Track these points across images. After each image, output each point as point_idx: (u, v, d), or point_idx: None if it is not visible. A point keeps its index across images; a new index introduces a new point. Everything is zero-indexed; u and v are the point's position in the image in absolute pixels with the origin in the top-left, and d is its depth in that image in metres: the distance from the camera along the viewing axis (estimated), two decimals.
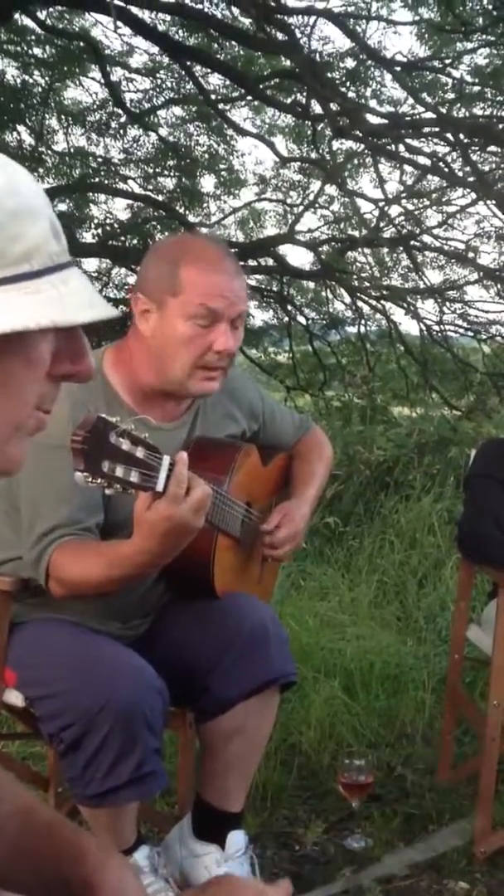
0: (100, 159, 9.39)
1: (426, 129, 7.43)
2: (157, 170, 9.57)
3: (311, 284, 10.69)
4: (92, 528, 1.83)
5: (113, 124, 8.88)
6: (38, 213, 0.70)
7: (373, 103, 7.62)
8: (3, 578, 1.89)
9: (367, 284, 10.12)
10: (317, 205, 10.06)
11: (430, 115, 7.34)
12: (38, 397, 0.74)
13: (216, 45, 7.93)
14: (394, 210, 9.32)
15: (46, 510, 1.80)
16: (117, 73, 8.57)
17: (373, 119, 7.13)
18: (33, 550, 1.79)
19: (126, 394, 1.94)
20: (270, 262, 9.46)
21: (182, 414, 2.03)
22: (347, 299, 10.22)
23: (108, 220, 9.55)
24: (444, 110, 7.46)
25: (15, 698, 1.92)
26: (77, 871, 0.97)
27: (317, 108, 7.04)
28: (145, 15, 7.11)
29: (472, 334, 10.28)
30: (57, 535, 1.78)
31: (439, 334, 10.03)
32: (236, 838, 2.02)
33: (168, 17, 7.49)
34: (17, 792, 1.03)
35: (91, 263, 9.50)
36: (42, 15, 7.69)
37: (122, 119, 8.69)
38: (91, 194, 9.39)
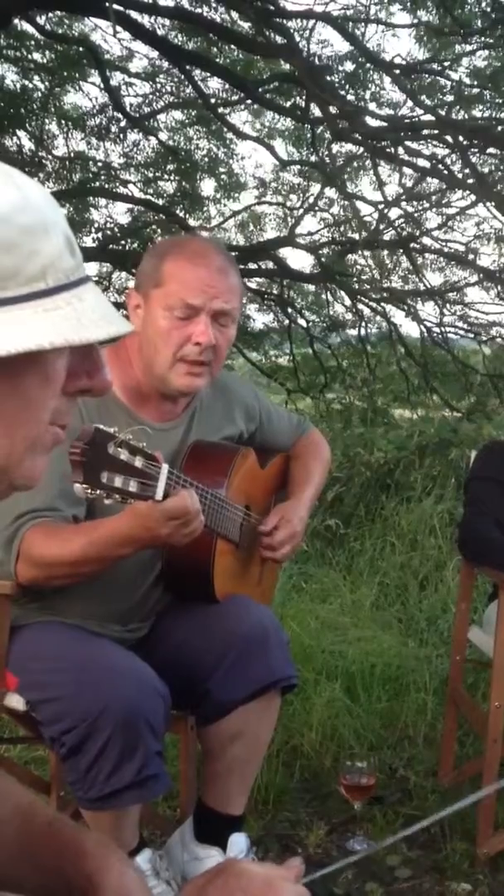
0: (100, 164, 9.42)
1: (425, 132, 7.45)
2: (157, 174, 9.59)
3: (312, 287, 10.72)
4: (69, 518, 1.82)
5: (113, 129, 8.91)
6: (52, 227, 0.70)
7: (372, 106, 7.65)
8: (3, 582, 1.89)
9: (368, 287, 10.13)
10: (317, 208, 10.10)
11: (429, 117, 7.35)
12: (52, 413, 0.74)
13: (215, 49, 7.95)
14: (393, 212, 9.36)
15: (25, 496, 1.77)
16: (117, 78, 8.60)
17: (372, 122, 7.16)
18: (7, 531, 1.78)
19: (122, 393, 1.95)
20: (270, 265, 9.47)
21: (178, 414, 2.03)
22: (348, 302, 10.25)
23: (108, 225, 9.59)
24: (443, 112, 7.47)
25: (16, 702, 1.91)
26: (78, 869, 0.97)
27: (316, 111, 7.06)
28: (144, 19, 7.13)
29: (472, 336, 10.30)
30: (32, 517, 1.77)
31: (439, 336, 10.05)
32: (237, 841, 2.02)
33: (167, 22, 7.50)
34: (17, 792, 1.03)
35: (92, 268, 9.51)
36: (41, 20, 7.71)
37: (122, 123, 8.72)
38: (91, 199, 9.42)
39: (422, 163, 7.84)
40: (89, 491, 1.38)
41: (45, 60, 8.44)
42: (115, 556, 1.73)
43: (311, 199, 10.08)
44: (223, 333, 1.91)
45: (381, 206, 9.08)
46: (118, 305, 1.95)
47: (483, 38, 7.20)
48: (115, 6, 5.67)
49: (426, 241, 9.90)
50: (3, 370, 0.68)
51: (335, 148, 8.76)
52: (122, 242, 9.19)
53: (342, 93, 7.31)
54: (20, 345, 0.65)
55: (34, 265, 0.67)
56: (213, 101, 8.20)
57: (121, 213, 10.14)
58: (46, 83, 8.59)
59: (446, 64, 7.80)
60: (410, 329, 10.42)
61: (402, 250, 9.56)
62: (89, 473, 1.37)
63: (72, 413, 0.78)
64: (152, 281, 1.88)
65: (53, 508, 1.79)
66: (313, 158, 8.71)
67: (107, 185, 9.48)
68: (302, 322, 10.51)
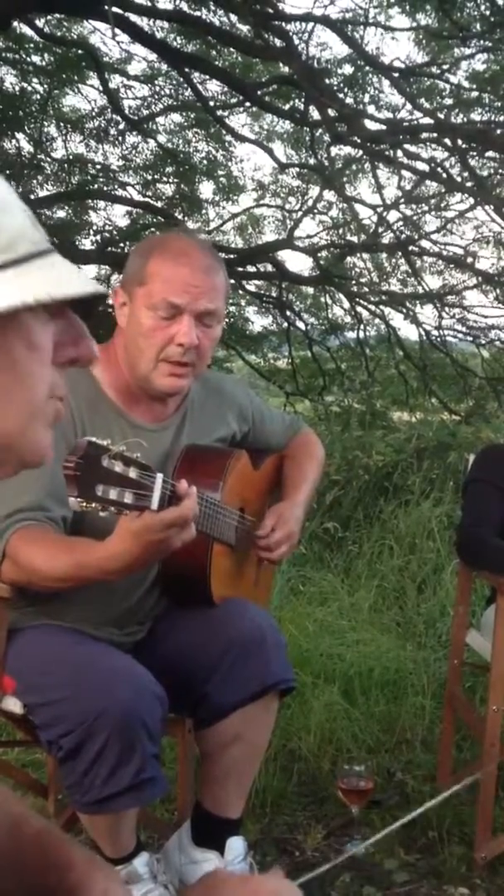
0: (98, 166, 9.42)
1: (424, 135, 7.44)
2: (155, 176, 9.59)
3: (310, 290, 10.73)
4: (57, 519, 1.81)
5: (112, 131, 8.91)
6: (11, 205, 0.71)
7: (371, 109, 7.65)
8: (0, 585, 1.89)
9: (366, 290, 10.14)
10: (315, 210, 10.09)
11: (428, 120, 7.36)
12: (48, 385, 0.74)
13: (214, 52, 7.96)
14: (392, 215, 9.36)
15: (12, 494, 1.77)
16: (116, 81, 8.60)
17: (371, 125, 7.15)
18: None
19: (113, 393, 1.94)
20: (269, 267, 9.47)
21: (170, 415, 2.03)
22: (346, 304, 10.24)
23: (107, 227, 9.59)
24: (442, 116, 7.48)
25: (13, 705, 1.91)
26: (63, 883, 0.96)
27: (315, 114, 7.05)
28: (143, 22, 7.12)
29: (470, 339, 10.30)
30: (20, 518, 1.76)
31: (438, 339, 10.05)
32: (235, 845, 2.02)
33: (166, 24, 7.50)
34: (7, 800, 1.02)
35: (90, 270, 9.51)
36: (40, 23, 7.71)
37: (121, 126, 8.71)
38: (90, 201, 9.42)
39: (421, 166, 7.85)
40: (84, 504, 1.37)
41: (44, 63, 8.43)
42: (100, 579, 1.71)
43: (310, 202, 10.08)
44: (207, 334, 1.90)
45: (379, 209, 9.09)
46: (113, 308, 1.94)
47: (482, 42, 7.20)
48: (114, 9, 5.67)
49: (425, 244, 9.91)
50: None
51: (334, 151, 8.76)
52: (121, 245, 9.19)
53: (341, 96, 7.31)
54: (1, 304, 0.66)
55: (2, 237, 0.68)
56: (211, 103, 8.20)
57: (119, 215, 10.19)
58: (45, 86, 8.58)
59: (445, 67, 7.80)
60: (409, 332, 10.46)
61: (400, 253, 9.55)
62: (84, 487, 1.37)
63: (64, 386, 0.78)
64: (137, 279, 1.88)
65: (42, 508, 1.78)
66: (312, 161, 8.71)
67: (105, 188, 9.48)
68: (300, 324, 10.51)
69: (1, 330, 0.69)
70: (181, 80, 7.91)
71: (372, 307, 10.04)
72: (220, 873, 1.01)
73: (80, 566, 1.69)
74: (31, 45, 8.13)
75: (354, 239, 9.74)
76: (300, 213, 10.21)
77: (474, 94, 7.90)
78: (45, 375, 0.74)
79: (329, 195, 9.60)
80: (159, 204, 9.41)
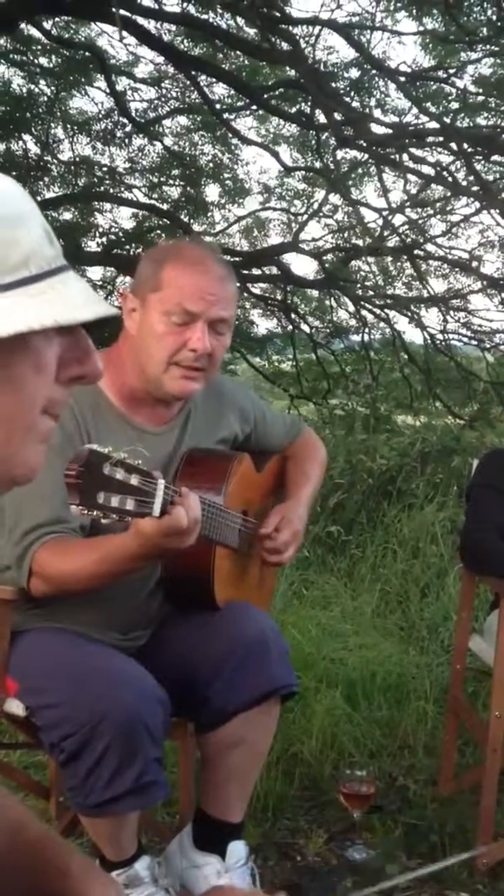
0: (105, 168, 9.43)
1: (430, 139, 7.45)
2: (161, 179, 9.60)
3: (315, 293, 10.72)
4: (76, 529, 1.83)
5: (118, 133, 8.92)
6: (29, 218, 0.71)
7: (377, 113, 7.65)
8: (4, 587, 1.89)
9: (371, 293, 10.13)
10: (321, 214, 10.08)
11: (434, 124, 7.35)
12: (46, 401, 0.74)
13: (221, 55, 7.96)
14: (398, 219, 9.33)
15: (30, 508, 1.79)
16: (122, 83, 8.63)
17: (377, 129, 7.16)
18: (17, 548, 1.80)
19: (115, 397, 1.95)
20: (274, 270, 9.47)
21: (172, 418, 2.04)
22: (351, 308, 10.24)
23: (112, 229, 9.60)
24: (448, 120, 7.47)
25: (16, 708, 1.91)
26: (61, 889, 0.96)
27: (321, 117, 7.05)
28: (150, 25, 7.14)
29: (475, 343, 10.28)
30: (41, 533, 1.78)
31: (443, 343, 10.04)
32: (236, 849, 2.02)
33: (173, 27, 7.52)
34: (8, 805, 1.02)
35: (96, 272, 9.54)
36: (48, 25, 7.73)
37: (128, 128, 8.73)
38: (96, 203, 9.43)
39: (426, 170, 7.84)
40: (86, 512, 1.38)
41: (51, 65, 8.46)
42: (126, 570, 1.75)
43: (316, 206, 10.06)
44: (219, 341, 1.91)
45: (385, 213, 9.07)
46: (121, 310, 1.95)
47: (488, 46, 7.20)
48: (122, 11, 5.68)
49: (430, 248, 9.90)
50: None
51: (340, 154, 8.76)
52: (127, 247, 9.20)
53: (347, 99, 7.32)
54: (9, 328, 0.65)
55: (16, 254, 0.68)
56: (218, 106, 8.21)
57: (125, 217, 10.19)
58: (52, 88, 8.60)
59: (451, 71, 7.79)
60: (414, 336, 10.40)
61: (405, 257, 9.55)
62: (85, 495, 1.37)
63: (66, 403, 0.78)
64: (150, 285, 1.89)
65: (61, 521, 1.80)
66: (318, 165, 8.71)
67: (111, 190, 9.50)
68: (305, 328, 10.50)
69: (8, 351, 0.68)
70: (188, 82, 7.92)
71: (377, 311, 10.03)
72: (228, 891, 1.01)
73: (103, 559, 1.72)
74: (39, 47, 8.16)
75: (360, 242, 9.73)
76: (306, 217, 10.20)
77: (480, 98, 7.90)
78: (45, 393, 0.74)
79: (335, 198, 9.60)
80: (165, 206, 9.42)
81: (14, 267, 0.68)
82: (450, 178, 7.94)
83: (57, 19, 7.84)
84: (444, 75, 7.78)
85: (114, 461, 1.40)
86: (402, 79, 7.17)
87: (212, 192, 12.51)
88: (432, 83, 7.83)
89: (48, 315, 0.68)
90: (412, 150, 7.38)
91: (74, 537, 1.82)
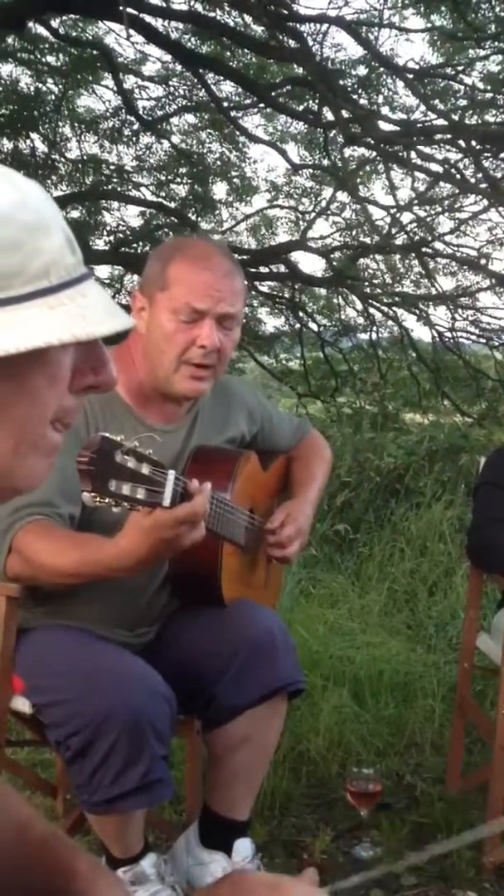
0: (112, 167, 9.44)
1: (438, 136, 7.42)
2: (169, 177, 9.60)
3: (323, 291, 10.71)
4: (65, 516, 1.82)
5: (126, 132, 8.92)
6: (52, 225, 0.70)
7: (385, 110, 7.64)
8: (10, 585, 1.89)
9: (379, 291, 10.10)
10: (329, 212, 10.07)
11: (442, 122, 7.34)
12: (58, 410, 0.74)
13: (228, 53, 7.96)
14: (406, 217, 9.33)
15: None
16: (130, 81, 8.61)
17: (385, 126, 7.13)
18: (2, 523, 1.78)
19: (126, 394, 1.95)
20: (282, 268, 9.47)
21: (181, 416, 2.04)
22: (359, 306, 10.22)
23: (120, 227, 9.60)
24: (456, 117, 7.45)
25: (22, 705, 1.92)
26: (66, 888, 0.96)
27: (329, 115, 7.04)
28: (158, 23, 7.13)
29: (484, 341, 10.26)
30: (29, 512, 1.77)
31: (451, 341, 10.02)
32: (243, 846, 2.02)
33: (181, 25, 7.51)
34: (15, 804, 1.02)
35: (103, 270, 9.54)
36: (56, 23, 7.73)
37: (135, 126, 8.73)
38: (104, 201, 9.43)
39: (434, 167, 7.83)
40: (98, 499, 1.37)
41: (58, 63, 8.46)
42: (107, 577, 1.72)
43: (324, 203, 10.05)
44: (228, 336, 1.92)
45: (393, 211, 9.06)
46: (129, 308, 1.95)
47: (496, 43, 7.18)
48: (129, 9, 5.68)
49: (438, 245, 9.87)
50: (10, 369, 0.67)
51: (347, 152, 8.75)
52: (134, 245, 9.20)
53: (355, 97, 7.31)
54: (27, 342, 0.65)
55: (37, 263, 0.67)
56: (225, 104, 8.21)
57: (133, 215, 10.15)
58: (60, 86, 8.61)
59: (459, 68, 7.77)
60: (422, 334, 10.39)
61: (414, 255, 9.54)
62: (98, 482, 1.37)
63: (78, 411, 0.77)
64: (157, 284, 1.89)
65: (51, 504, 1.79)
66: (326, 162, 8.70)
67: (119, 188, 9.50)
68: (313, 326, 10.50)
69: (25, 363, 0.68)
70: (195, 80, 7.92)
71: (385, 308, 10.01)
72: (244, 875, 1.00)
73: (88, 563, 1.69)
74: (46, 46, 8.17)
75: (368, 240, 9.72)
76: (313, 215, 10.19)
77: (489, 95, 7.87)
78: (55, 403, 0.73)
79: (342, 196, 9.59)
80: (173, 204, 9.42)
81: (34, 276, 0.67)
82: (458, 176, 7.93)
83: (64, 18, 7.84)
84: (452, 72, 7.75)
85: (125, 449, 1.40)
86: (410, 76, 7.15)
87: (219, 190, 12.54)
88: (440, 80, 7.80)
89: (67, 330, 0.67)
90: (420, 147, 7.37)
91: (61, 523, 1.81)
